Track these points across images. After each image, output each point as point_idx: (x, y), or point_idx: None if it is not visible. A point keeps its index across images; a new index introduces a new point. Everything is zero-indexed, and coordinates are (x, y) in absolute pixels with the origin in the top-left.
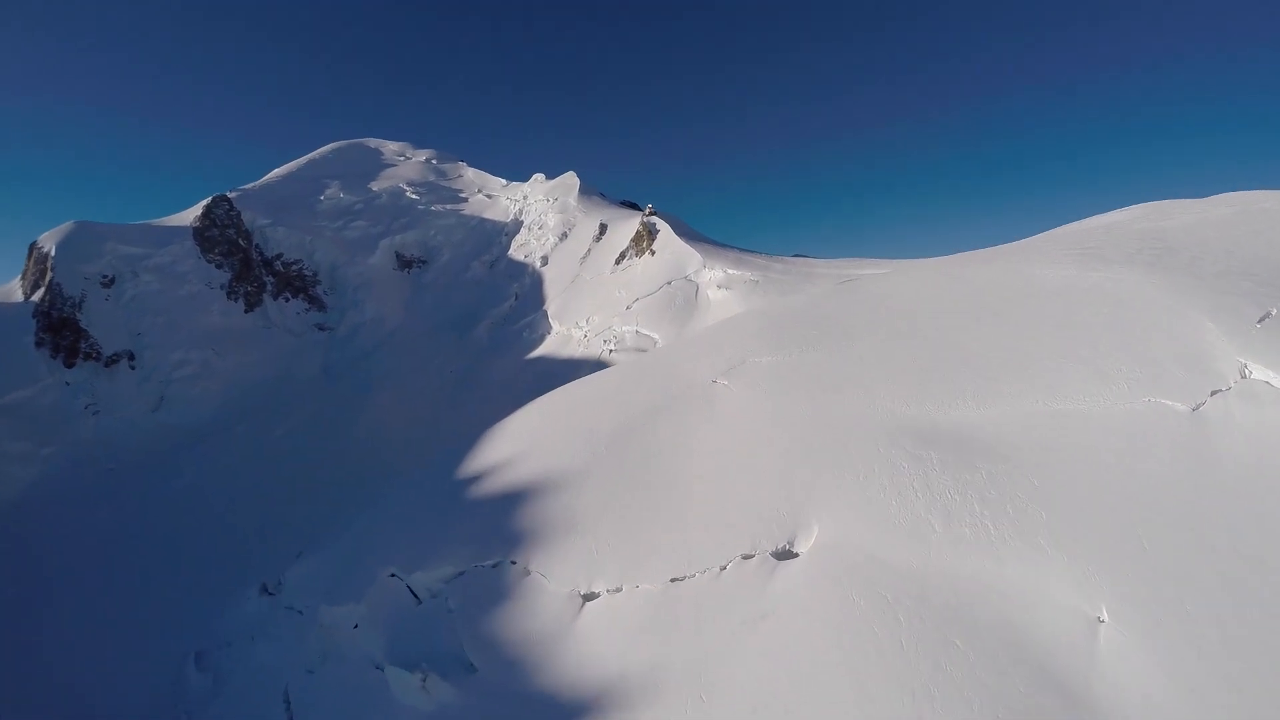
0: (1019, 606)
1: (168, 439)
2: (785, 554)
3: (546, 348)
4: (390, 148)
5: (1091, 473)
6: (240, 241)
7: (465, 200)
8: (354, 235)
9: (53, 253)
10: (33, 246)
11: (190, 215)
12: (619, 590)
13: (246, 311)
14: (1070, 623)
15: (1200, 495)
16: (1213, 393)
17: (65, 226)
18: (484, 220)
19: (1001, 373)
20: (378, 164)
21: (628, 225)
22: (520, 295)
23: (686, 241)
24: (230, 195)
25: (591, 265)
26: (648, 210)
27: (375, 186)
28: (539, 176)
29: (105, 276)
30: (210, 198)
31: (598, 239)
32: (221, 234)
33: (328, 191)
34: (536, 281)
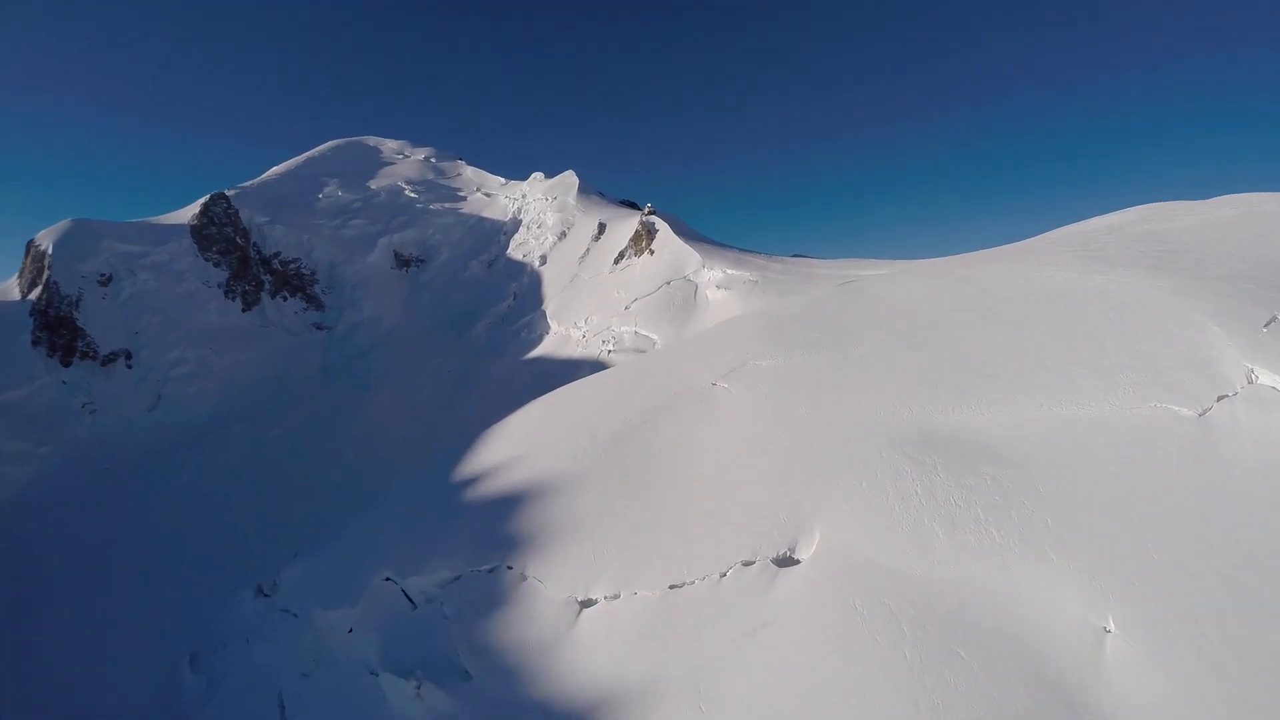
0: (1024, 616)
1: (165, 438)
2: (786, 561)
3: (545, 348)
4: (389, 146)
5: (1098, 479)
6: (238, 240)
7: (464, 199)
8: (352, 234)
9: (50, 251)
10: (30, 244)
11: (188, 213)
12: (617, 597)
13: (244, 310)
14: (1076, 633)
15: (1208, 503)
16: (1219, 398)
17: (62, 224)
18: (482, 219)
19: (1005, 376)
20: (376, 162)
21: (627, 225)
22: (519, 295)
23: (685, 241)
24: (228, 193)
25: (590, 265)
26: (647, 210)
27: (374, 185)
28: (538, 175)
29: (102, 275)
30: (208, 196)
31: (596, 238)
32: (219, 232)
33: (326, 190)
34: (535, 281)
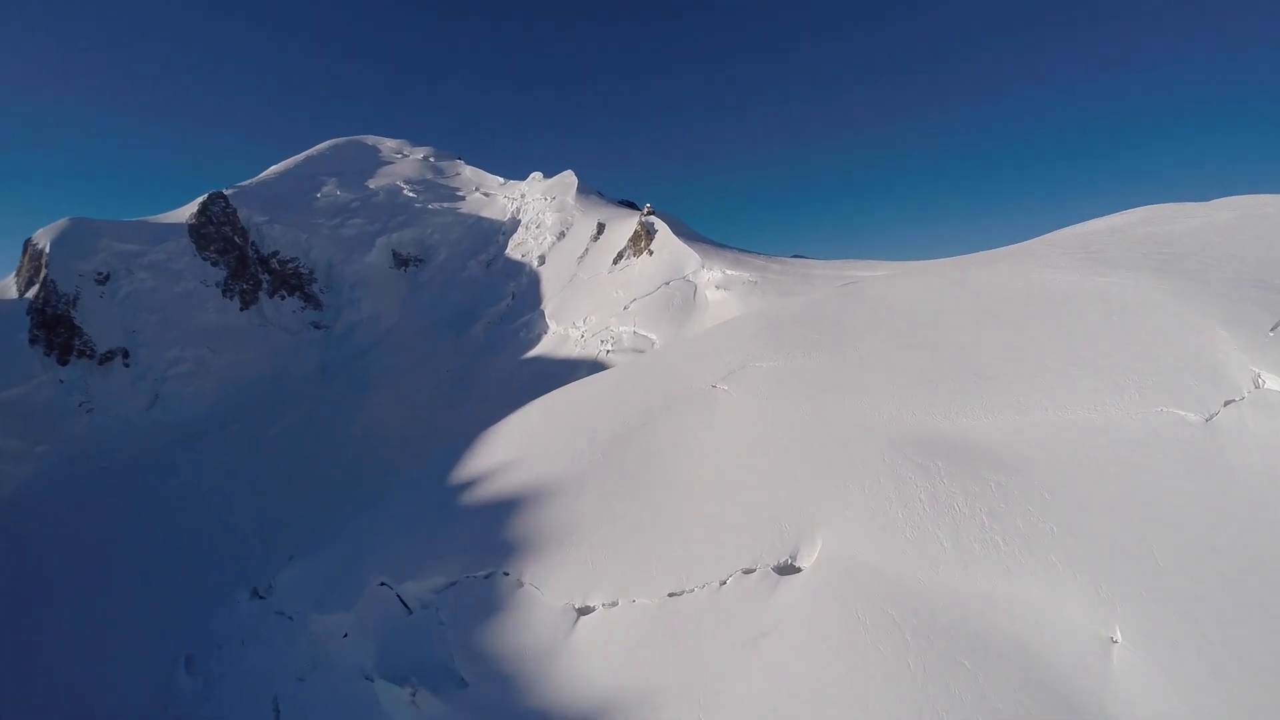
0: (1030, 626)
1: (162, 437)
2: (787, 568)
3: (543, 347)
4: (388, 145)
5: (1103, 485)
6: (236, 239)
7: (463, 198)
8: (350, 233)
9: (47, 249)
10: (27, 243)
11: (186, 212)
12: (615, 604)
13: (242, 309)
14: (1083, 643)
15: (1215, 509)
16: (1226, 403)
17: (60, 223)
18: (481, 219)
19: (1009, 380)
20: (375, 161)
21: (626, 225)
22: (517, 294)
23: (685, 241)
24: (226, 192)
25: (589, 265)
26: (646, 210)
27: (372, 184)
28: (537, 175)
29: (100, 273)
30: (206, 194)
31: (595, 238)
32: (217, 231)
33: (324, 189)
34: (534, 281)
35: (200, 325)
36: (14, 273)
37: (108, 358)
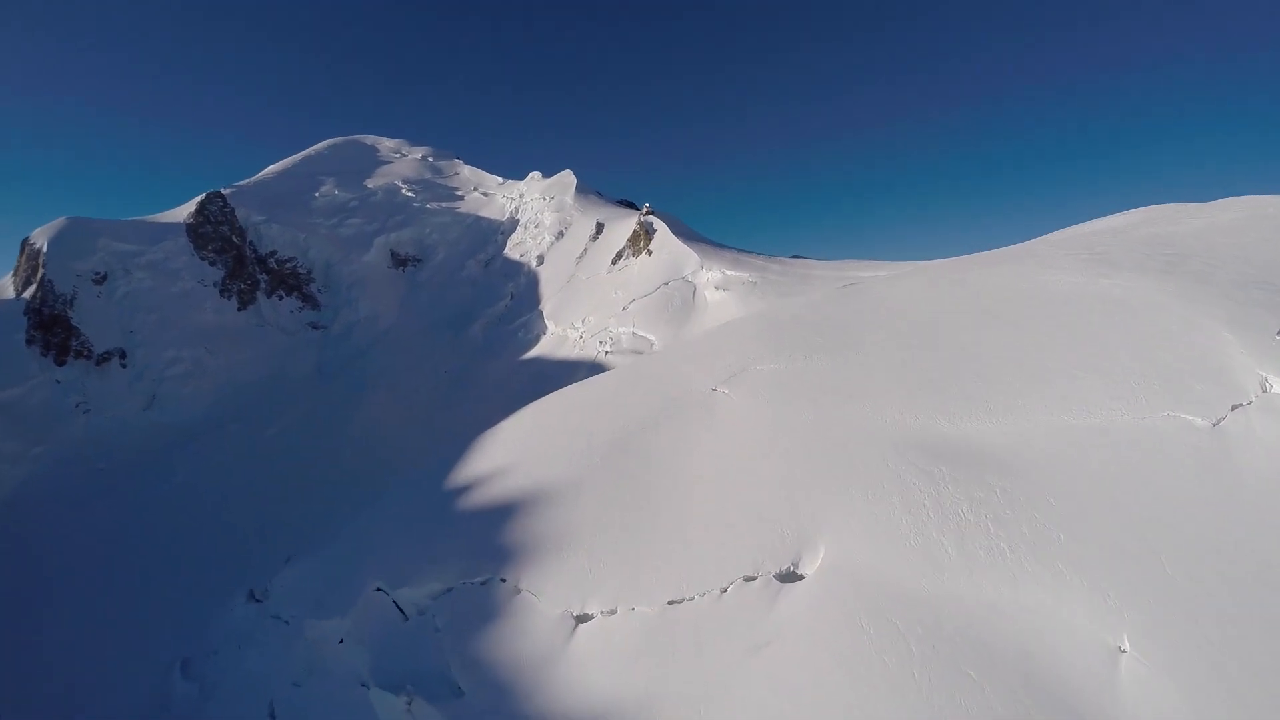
0: (1036, 635)
1: (159, 438)
2: (790, 576)
3: (542, 348)
4: (386, 145)
5: (1110, 491)
6: (234, 238)
7: (461, 198)
8: (349, 233)
9: (45, 249)
10: (25, 243)
11: (184, 212)
12: (614, 612)
13: (240, 309)
14: (1090, 652)
15: (1223, 515)
16: (1233, 407)
17: (58, 222)
18: (480, 218)
19: (1014, 383)
20: (373, 161)
21: (625, 225)
22: (516, 295)
23: (684, 241)
24: (224, 192)
25: (588, 265)
26: (645, 210)
27: (371, 184)
28: (535, 175)
29: (97, 273)
30: (204, 194)
31: (594, 238)
32: (215, 231)
33: (323, 188)
34: (532, 281)
35: (198, 325)
36: (11, 272)
37: (105, 358)
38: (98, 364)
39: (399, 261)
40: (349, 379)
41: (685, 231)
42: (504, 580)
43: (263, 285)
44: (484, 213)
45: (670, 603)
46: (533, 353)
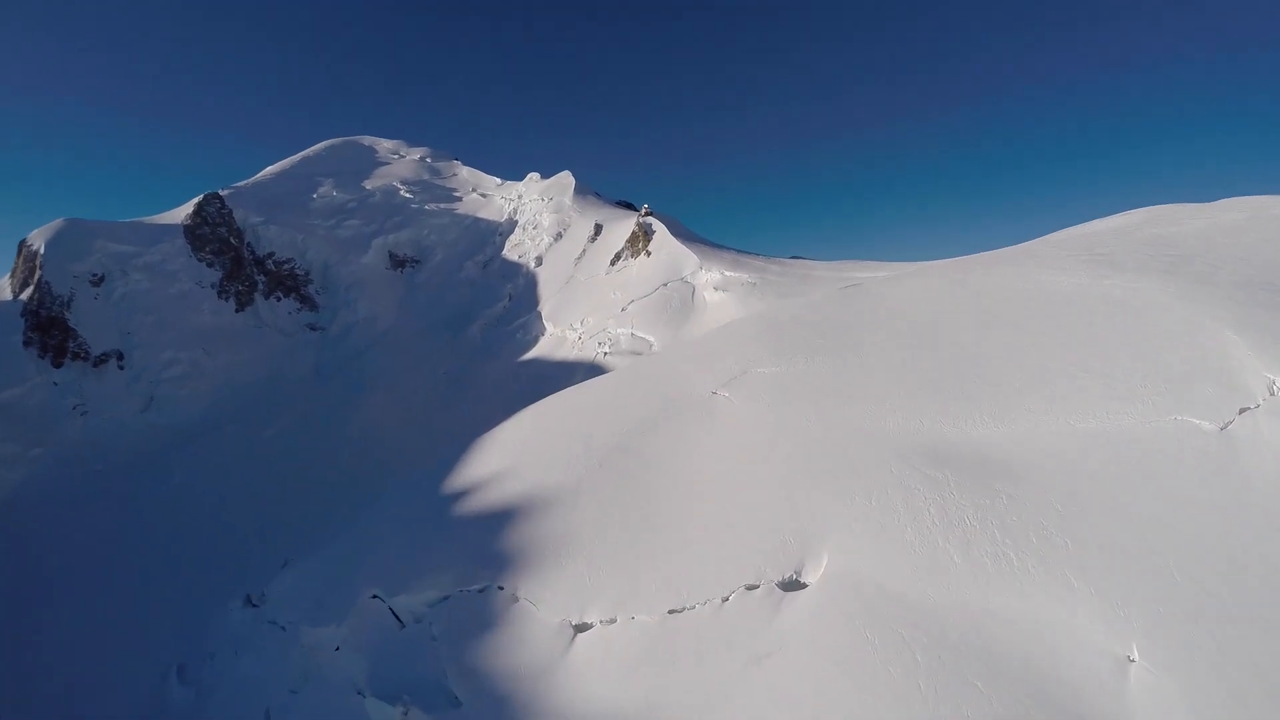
0: (1044, 645)
1: (157, 440)
2: (793, 584)
3: (540, 349)
4: (384, 145)
5: (1117, 497)
6: (232, 240)
7: (459, 199)
8: (347, 234)
9: (42, 250)
10: (22, 244)
11: (181, 213)
12: (613, 621)
13: (237, 311)
14: (1099, 662)
15: (1232, 521)
16: (1241, 410)
17: (55, 224)
18: (478, 220)
19: (1017, 386)
20: (371, 162)
21: (623, 226)
22: (514, 296)
23: (683, 242)
24: (222, 193)
25: (586, 266)
26: (644, 210)
27: (369, 185)
28: (534, 176)
29: (95, 275)
30: (202, 195)
31: (593, 239)
32: (213, 232)
33: (321, 190)
34: (531, 282)
35: (195, 327)
36: (9, 274)
37: (102, 360)
38: (95, 365)
39: (397, 263)
40: (347, 380)
41: (684, 232)
42: (502, 588)
43: (260, 286)
44: (482, 214)
45: (671, 611)
46: (531, 354)
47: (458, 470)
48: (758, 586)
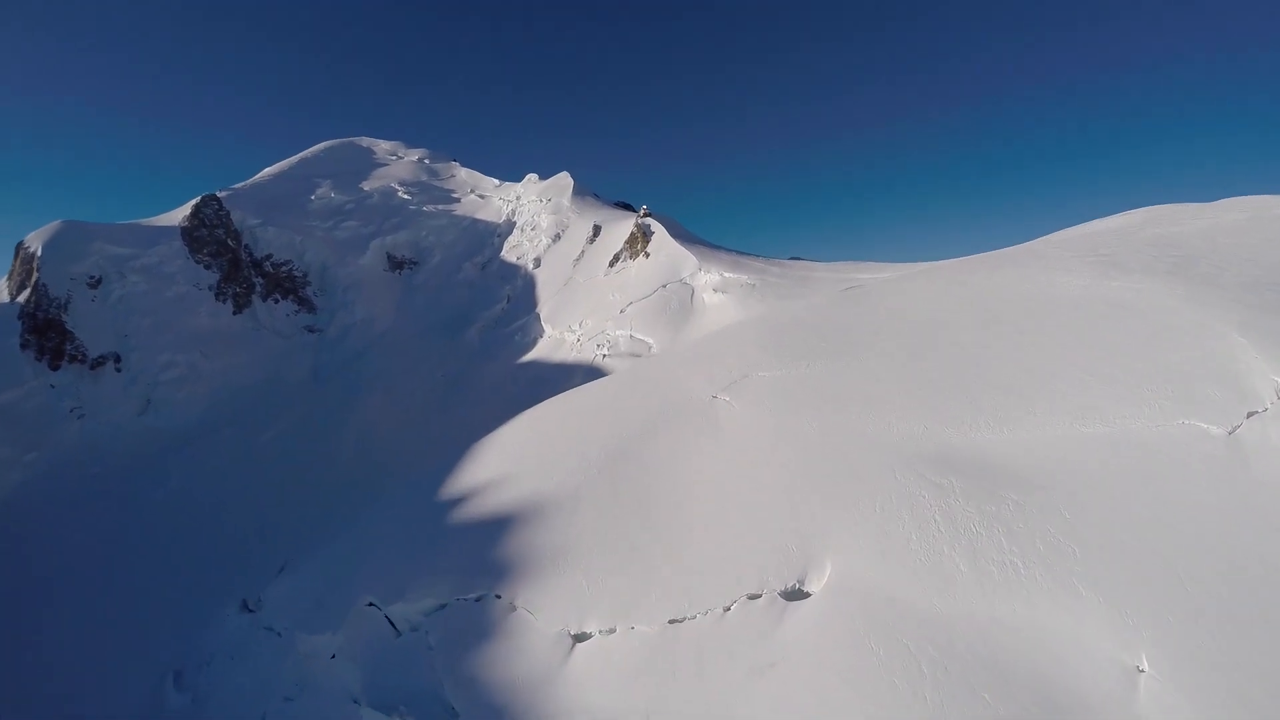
0: (1052, 654)
1: (154, 442)
2: (795, 594)
3: (539, 351)
4: (382, 147)
5: (1125, 503)
6: (229, 242)
7: (457, 200)
8: (345, 235)
9: (39, 253)
10: (19, 246)
11: (179, 215)
12: (613, 631)
13: (235, 313)
14: (1107, 672)
15: (1241, 527)
16: (1249, 414)
17: (52, 226)
18: (476, 221)
19: (1022, 390)
20: (369, 163)
21: (622, 227)
22: (512, 297)
23: (682, 244)
24: (220, 195)
25: (585, 267)
26: (642, 212)
27: (367, 186)
28: (532, 177)
29: (92, 277)
30: (199, 197)
31: (591, 241)
32: (210, 234)
33: (319, 191)
34: (529, 284)
35: (193, 329)
36: (6, 276)
37: (99, 362)
38: (92, 368)
39: (395, 264)
40: (345, 382)
41: (683, 233)
42: (499, 597)
43: (258, 288)
44: (480, 215)
45: (671, 621)
46: (530, 356)
47: (455, 475)
48: (760, 596)
